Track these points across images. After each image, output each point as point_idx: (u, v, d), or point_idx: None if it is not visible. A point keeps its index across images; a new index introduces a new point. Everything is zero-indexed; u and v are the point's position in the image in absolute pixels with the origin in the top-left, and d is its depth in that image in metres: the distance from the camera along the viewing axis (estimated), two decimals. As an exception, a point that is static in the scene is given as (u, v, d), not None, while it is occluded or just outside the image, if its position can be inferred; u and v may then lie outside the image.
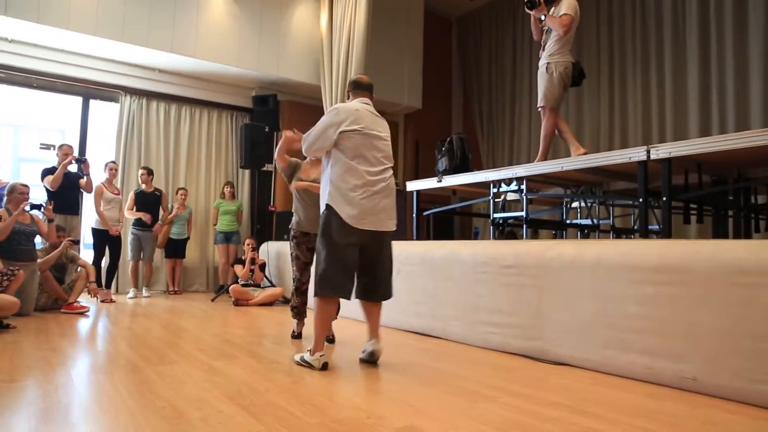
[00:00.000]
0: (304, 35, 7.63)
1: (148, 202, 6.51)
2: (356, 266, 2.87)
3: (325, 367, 2.80)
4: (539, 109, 4.49)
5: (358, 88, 3.05)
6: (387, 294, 2.98)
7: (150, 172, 6.63)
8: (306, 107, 8.04)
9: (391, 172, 2.94)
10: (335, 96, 7.08)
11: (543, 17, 4.40)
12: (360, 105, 2.95)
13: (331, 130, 2.83)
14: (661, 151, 3.39)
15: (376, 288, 2.95)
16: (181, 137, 7.54)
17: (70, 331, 3.91)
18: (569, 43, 4.37)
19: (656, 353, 2.58)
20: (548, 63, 4.36)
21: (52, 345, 3.34)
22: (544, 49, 4.46)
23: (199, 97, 7.65)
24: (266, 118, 7.54)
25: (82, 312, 4.87)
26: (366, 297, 2.98)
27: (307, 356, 2.87)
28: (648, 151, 3.45)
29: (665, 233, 3.42)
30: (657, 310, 2.59)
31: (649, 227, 4.16)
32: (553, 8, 4.35)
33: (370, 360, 2.97)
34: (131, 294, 6.39)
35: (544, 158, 4.49)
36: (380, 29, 7.70)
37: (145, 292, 6.63)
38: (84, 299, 5.43)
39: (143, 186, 6.58)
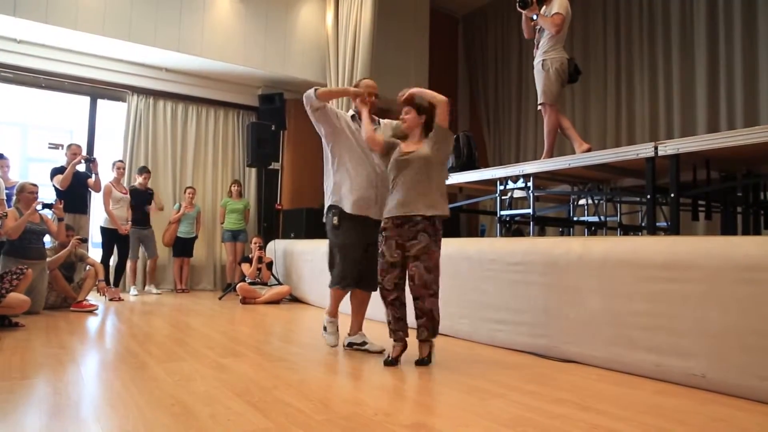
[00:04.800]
0: (310, 34, 7.64)
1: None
2: None
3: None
4: (539, 106, 4.51)
5: None
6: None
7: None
8: (312, 106, 8.04)
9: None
10: (341, 94, 7.07)
11: (535, 16, 4.46)
12: None
13: None
14: (669, 148, 3.37)
15: None
16: (188, 136, 7.57)
17: (79, 329, 3.94)
18: (562, 41, 4.41)
19: (664, 350, 2.57)
20: (543, 60, 4.40)
21: (62, 343, 3.37)
22: (537, 48, 4.51)
23: (206, 96, 7.68)
24: (272, 116, 7.55)
25: (91, 310, 4.91)
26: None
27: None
28: (656, 148, 3.44)
29: (673, 230, 3.41)
30: (665, 307, 2.58)
31: (657, 224, 4.14)
32: (544, 7, 4.40)
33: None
34: (134, 291, 6.48)
35: (550, 155, 4.49)
36: (386, 27, 7.69)
37: (154, 289, 6.69)
38: (93, 297, 5.47)
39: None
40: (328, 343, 3.26)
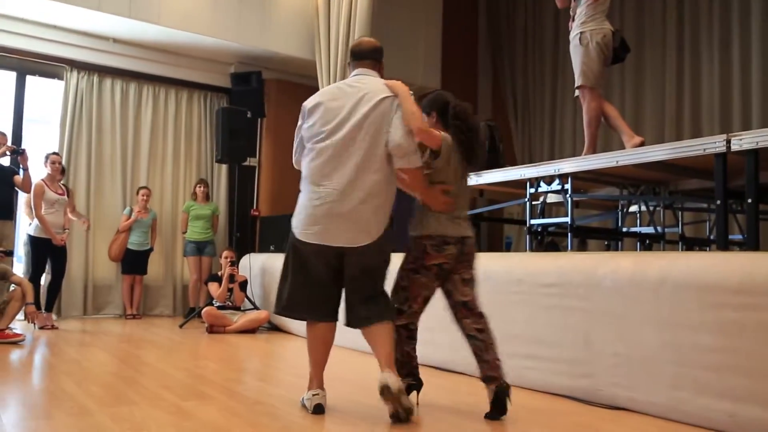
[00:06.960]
0: (295, -2, 7.66)
1: None
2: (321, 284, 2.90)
3: (318, 409, 2.79)
4: (576, 90, 4.53)
5: (352, 57, 3.05)
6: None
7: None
8: (298, 87, 8.05)
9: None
10: (334, 73, 7.10)
11: None
12: (339, 83, 2.98)
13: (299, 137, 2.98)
14: (746, 141, 3.36)
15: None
16: (142, 124, 7.58)
17: (0, 365, 3.91)
18: (605, 9, 4.44)
19: (741, 396, 2.55)
20: (581, 33, 4.43)
21: (-19, 381, 3.36)
22: (574, 19, 4.53)
23: (165, 74, 7.69)
24: (248, 100, 7.57)
25: (15, 341, 4.87)
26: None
27: (305, 395, 2.88)
28: (728, 141, 3.43)
29: (751, 244, 3.40)
30: (741, 341, 2.56)
31: (730, 237, 4.13)
32: None
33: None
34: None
35: (593, 150, 4.50)
36: (390, -10, 7.73)
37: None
38: (18, 325, 5.45)
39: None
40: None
